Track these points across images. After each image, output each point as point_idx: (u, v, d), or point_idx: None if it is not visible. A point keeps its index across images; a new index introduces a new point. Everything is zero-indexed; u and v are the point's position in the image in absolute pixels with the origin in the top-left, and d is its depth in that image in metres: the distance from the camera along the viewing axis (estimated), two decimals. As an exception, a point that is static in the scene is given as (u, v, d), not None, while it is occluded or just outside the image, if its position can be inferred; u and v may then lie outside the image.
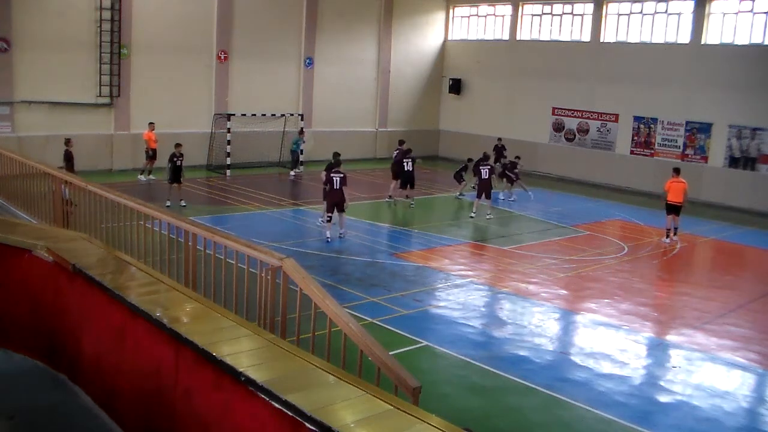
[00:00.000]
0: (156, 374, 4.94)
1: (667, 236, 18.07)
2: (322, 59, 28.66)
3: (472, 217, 19.58)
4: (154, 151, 22.23)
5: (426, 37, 32.63)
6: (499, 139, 27.05)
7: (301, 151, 25.89)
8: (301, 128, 26.54)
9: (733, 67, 23.90)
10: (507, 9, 30.84)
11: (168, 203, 18.11)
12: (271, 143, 26.79)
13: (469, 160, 22.52)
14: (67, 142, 18.39)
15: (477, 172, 20.01)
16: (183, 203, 18.62)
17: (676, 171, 18.49)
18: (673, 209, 17.88)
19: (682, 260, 17.08)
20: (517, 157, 24.23)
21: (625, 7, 27.09)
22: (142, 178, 22.30)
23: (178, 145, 18.78)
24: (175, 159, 18.45)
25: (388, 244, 16.49)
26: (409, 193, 20.70)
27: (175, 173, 18.46)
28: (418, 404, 4.98)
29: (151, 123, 22.34)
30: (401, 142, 22.92)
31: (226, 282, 7.06)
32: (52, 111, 22.25)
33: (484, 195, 19.52)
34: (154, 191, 20.58)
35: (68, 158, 18.02)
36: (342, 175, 16.06)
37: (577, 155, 28.19)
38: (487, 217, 19.44)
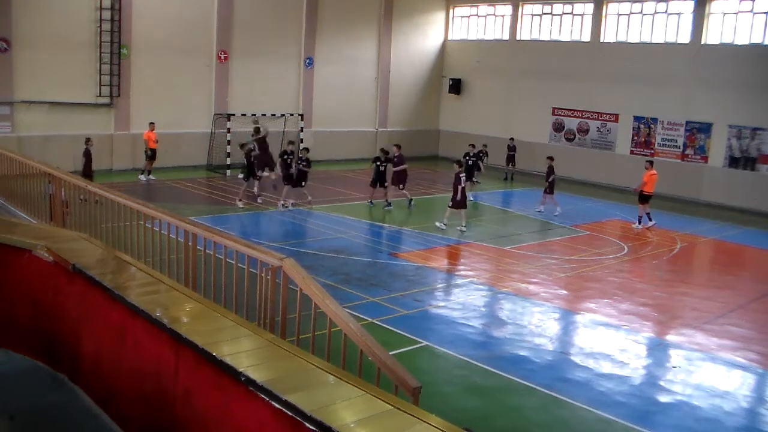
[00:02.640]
0: (156, 374, 4.94)
1: (640, 222, 19.69)
2: (322, 59, 28.66)
3: (443, 227, 17.81)
4: (153, 151, 22.21)
5: (426, 37, 32.64)
6: (511, 139, 27.32)
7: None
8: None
9: (733, 67, 23.90)
10: (507, 9, 30.85)
11: (282, 204, 18.89)
12: (271, 143, 26.70)
13: (385, 152, 20.86)
14: (87, 141, 18.46)
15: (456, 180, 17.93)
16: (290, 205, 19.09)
17: (651, 163, 20.21)
18: (649, 199, 19.73)
19: (682, 260, 17.09)
20: (484, 145, 25.42)
21: (625, 7, 27.10)
22: (142, 178, 22.30)
23: (291, 143, 20.20)
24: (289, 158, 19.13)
25: (388, 244, 16.48)
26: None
27: (299, 177, 19.00)
28: (418, 404, 4.98)
29: (151, 123, 22.32)
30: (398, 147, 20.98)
31: (226, 282, 7.06)
32: (52, 111, 22.26)
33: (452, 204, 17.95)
34: (154, 191, 20.60)
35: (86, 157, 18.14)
36: None
37: (577, 155, 28.19)
38: (461, 228, 17.67)
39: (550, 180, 21.02)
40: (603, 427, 8.30)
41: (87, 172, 17.34)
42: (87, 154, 18.16)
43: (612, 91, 27.12)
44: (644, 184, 19.61)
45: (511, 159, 27.46)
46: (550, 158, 21.68)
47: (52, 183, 10.76)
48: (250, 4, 26.35)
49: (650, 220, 19.72)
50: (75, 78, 22.65)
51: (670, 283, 14.87)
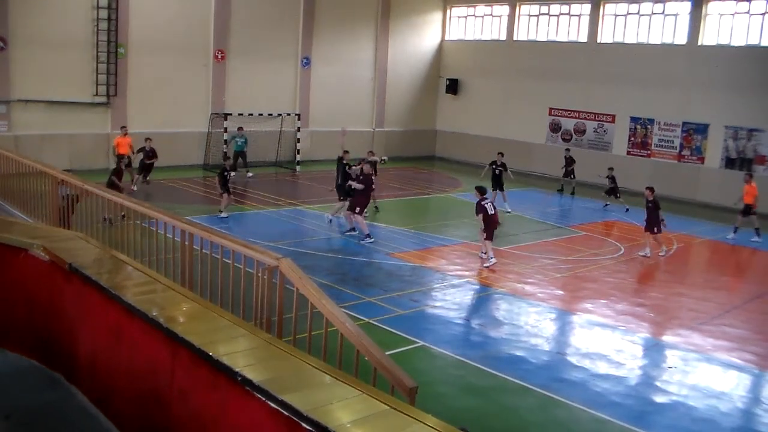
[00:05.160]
0: (152, 374, 4.93)
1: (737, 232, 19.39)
2: (319, 59, 28.65)
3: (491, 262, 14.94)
4: (120, 156, 19.82)
5: (423, 37, 32.64)
6: (567, 150, 26.02)
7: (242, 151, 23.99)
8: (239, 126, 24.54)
9: (730, 68, 23.94)
10: (504, 9, 30.86)
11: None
12: (268, 143, 26.76)
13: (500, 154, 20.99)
14: (120, 159, 17.75)
15: (481, 209, 15.04)
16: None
17: (751, 176, 19.95)
18: (751, 210, 19.27)
19: (678, 261, 17.11)
20: (610, 168, 23.35)
21: (622, 7, 27.13)
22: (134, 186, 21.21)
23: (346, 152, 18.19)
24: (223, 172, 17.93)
25: (384, 244, 16.48)
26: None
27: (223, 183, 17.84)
28: (415, 404, 4.99)
29: (123, 127, 21.14)
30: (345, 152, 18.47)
31: (223, 282, 7.06)
32: (48, 110, 22.23)
33: (487, 234, 15.04)
34: (150, 191, 20.55)
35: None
36: None
37: (574, 156, 28.16)
38: (490, 261, 14.98)
39: (660, 218, 16.76)
40: (599, 427, 8.31)
41: (116, 184, 15.76)
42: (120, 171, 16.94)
43: (609, 92, 27.14)
44: (746, 195, 19.24)
45: (570, 170, 25.13)
46: (650, 189, 17.05)
47: (66, 185, 10.62)
48: (247, 3, 26.32)
49: (758, 236, 18.95)
50: (72, 77, 22.61)
51: (667, 284, 14.90)
